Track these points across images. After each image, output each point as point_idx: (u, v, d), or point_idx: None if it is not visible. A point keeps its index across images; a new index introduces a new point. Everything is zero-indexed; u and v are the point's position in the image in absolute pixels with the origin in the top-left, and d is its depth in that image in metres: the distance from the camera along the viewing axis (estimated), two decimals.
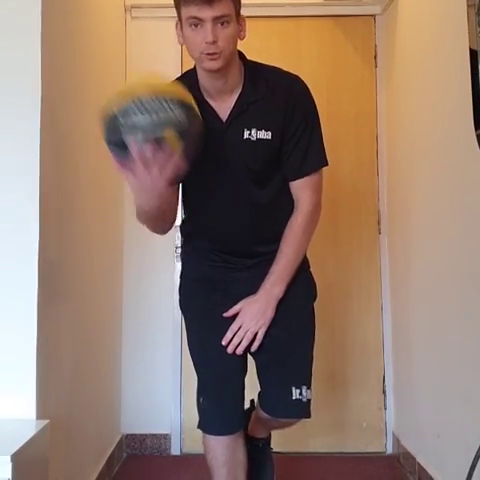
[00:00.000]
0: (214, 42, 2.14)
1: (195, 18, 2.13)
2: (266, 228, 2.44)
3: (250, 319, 2.36)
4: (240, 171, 2.34)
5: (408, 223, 3.70)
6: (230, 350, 2.37)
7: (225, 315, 2.40)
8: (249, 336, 2.36)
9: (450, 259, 2.95)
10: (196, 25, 2.15)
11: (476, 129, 2.36)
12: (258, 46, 4.06)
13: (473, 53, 2.35)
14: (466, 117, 2.46)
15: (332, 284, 4.06)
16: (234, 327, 2.37)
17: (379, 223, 4.19)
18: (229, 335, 2.37)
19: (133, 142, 1.94)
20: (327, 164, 2.43)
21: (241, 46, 2.32)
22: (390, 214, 4.11)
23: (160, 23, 4.19)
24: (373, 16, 4.26)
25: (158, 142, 1.95)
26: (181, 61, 4.12)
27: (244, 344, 2.36)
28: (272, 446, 2.89)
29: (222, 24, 2.15)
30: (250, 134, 2.31)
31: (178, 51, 4.12)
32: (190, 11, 2.14)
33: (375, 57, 4.25)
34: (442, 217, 3.07)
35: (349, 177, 4.20)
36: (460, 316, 2.83)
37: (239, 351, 2.37)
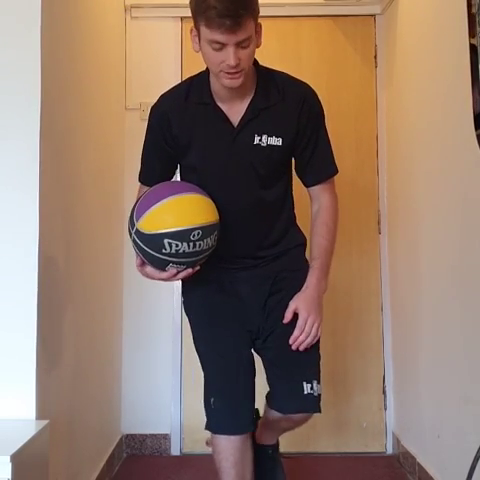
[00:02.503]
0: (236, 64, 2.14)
1: (217, 42, 2.11)
2: (270, 230, 2.47)
3: (315, 315, 2.36)
4: (248, 175, 2.37)
5: (408, 223, 3.70)
6: (295, 347, 2.36)
7: (285, 321, 2.37)
8: (314, 332, 2.36)
9: (450, 259, 2.95)
10: (218, 48, 2.13)
11: (476, 129, 2.36)
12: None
13: (473, 52, 2.35)
14: (466, 117, 2.46)
15: (332, 284, 4.00)
16: (301, 324, 2.35)
17: (379, 223, 4.18)
18: (297, 333, 2.35)
19: (171, 265, 2.20)
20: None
21: None
22: (390, 214, 4.11)
23: (160, 23, 4.19)
24: (373, 16, 4.26)
25: (192, 266, 2.24)
26: (181, 61, 4.13)
27: (309, 341, 2.36)
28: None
29: (243, 47, 2.14)
30: (261, 140, 2.32)
31: (178, 51, 4.14)
32: (212, 35, 2.11)
33: (375, 57, 4.25)
34: (442, 217, 3.07)
35: (349, 177, 4.19)
36: (460, 316, 2.83)
37: (302, 347, 2.37)
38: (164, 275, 2.25)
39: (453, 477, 2.84)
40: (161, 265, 2.21)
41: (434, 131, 3.19)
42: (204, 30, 2.13)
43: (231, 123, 2.33)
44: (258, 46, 2.26)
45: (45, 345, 2.36)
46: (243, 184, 2.37)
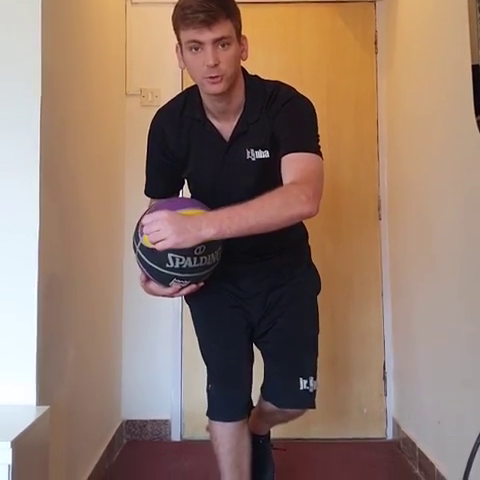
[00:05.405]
0: (215, 65, 2.09)
1: (195, 41, 2.09)
2: (266, 240, 2.34)
3: (167, 225, 1.88)
4: (244, 188, 2.28)
5: (408, 209, 3.70)
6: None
7: None
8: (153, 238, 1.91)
9: (449, 244, 2.95)
10: (196, 49, 2.10)
11: (476, 115, 2.35)
12: (259, 33, 4.05)
13: (473, 38, 2.34)
14: (466, 102, 2.45)
15: (332, 270, 4.06)
16: (148, 219, 1.93)
17: (379, 209, 4.18)
18: (147, 220, 1.93)
19: (175, 281, 2.16)
20: (321, 157, 2.20)
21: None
22: (390, 200, 4.11)
23: (160, 9, 4.14)
24: (373, 2, 4.24)
25: (196, 282, 2.22)
26: None
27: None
28: (272, 442, 2.93)
29: (223, 46, 2.10)
30: (250, 154, 2.28)
31: None
32: (189, 35, 2.10)
33: (375, 43, 4.23)
34: (442, 203, 3.06)
35: (349, 163, 4.20)
36: (460, 301, 2.83)
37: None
38: (168, 291, 2.22)
39: (453, 462, 2.85)
40: (165, 280, 2.18)
41: (434, 116, 3.18)
42: (183, 34, 2.13)
43: (223, 138, 2.31)
44: (244, 59, 2.23)
45: (45, 330, 2.36)
46: (240, 196, 2.12)
